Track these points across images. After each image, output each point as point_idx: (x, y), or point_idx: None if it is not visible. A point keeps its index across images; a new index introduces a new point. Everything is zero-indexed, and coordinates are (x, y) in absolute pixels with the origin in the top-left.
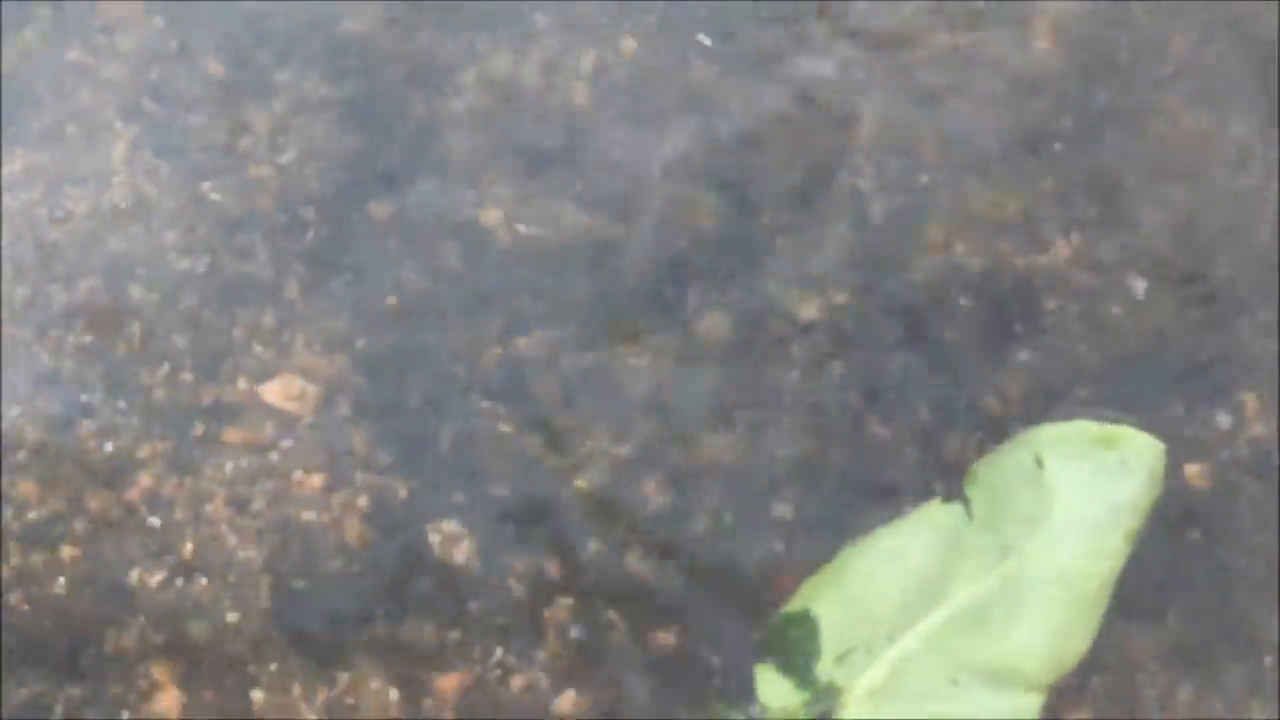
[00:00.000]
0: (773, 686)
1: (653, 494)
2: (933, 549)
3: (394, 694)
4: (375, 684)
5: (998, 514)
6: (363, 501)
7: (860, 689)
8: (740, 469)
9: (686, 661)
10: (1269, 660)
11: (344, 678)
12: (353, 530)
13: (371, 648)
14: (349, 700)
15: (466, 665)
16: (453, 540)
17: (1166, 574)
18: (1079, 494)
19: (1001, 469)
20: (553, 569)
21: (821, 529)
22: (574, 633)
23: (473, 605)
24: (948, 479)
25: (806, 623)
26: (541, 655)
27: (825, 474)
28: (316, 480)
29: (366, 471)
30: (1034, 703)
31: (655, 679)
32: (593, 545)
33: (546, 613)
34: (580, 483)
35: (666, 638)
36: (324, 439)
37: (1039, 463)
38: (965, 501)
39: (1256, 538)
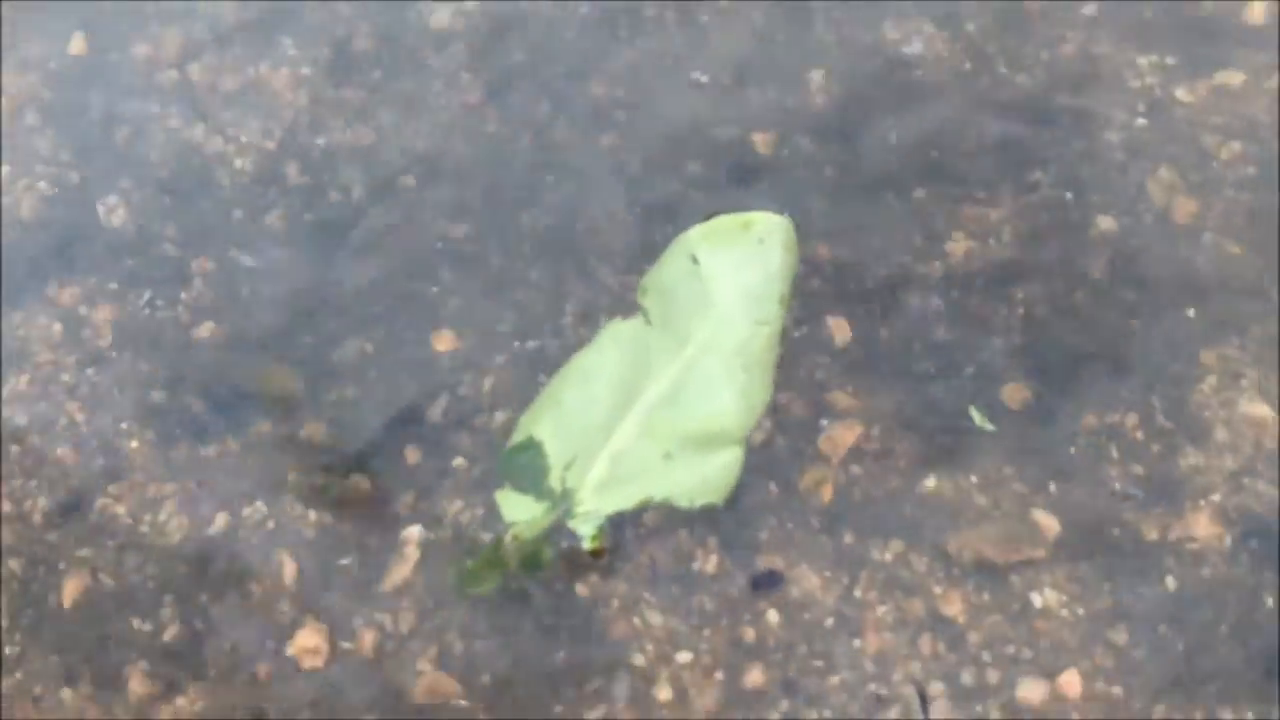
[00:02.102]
0: (514, 505)
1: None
2: (624, 357)
3: (58, 327)
4: (43, 320)
5: (670, 313)
6: (41, 185)
7: (589, 485)
8: None
9: None
10: None
11: (17, 316)
12: (28, 206)
13: (40, 295)
14: (20, 333)
15: (120, 303)
16: (113, 209)
17: None
18: (732, 277)
19: (665, 274)
20: (197, 229)
21: None
22: (215, 278)
23: (129, 261)
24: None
25: (531, 447)
26: (185, 296)
27: None
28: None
29: (47, 165)
30: (736, 454)
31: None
32: (238, 213)
33: (194, 263)
34: (238, 162)
35: None
36: (12, 144)
37: (694, 260)
38: (643, 311)
39: None
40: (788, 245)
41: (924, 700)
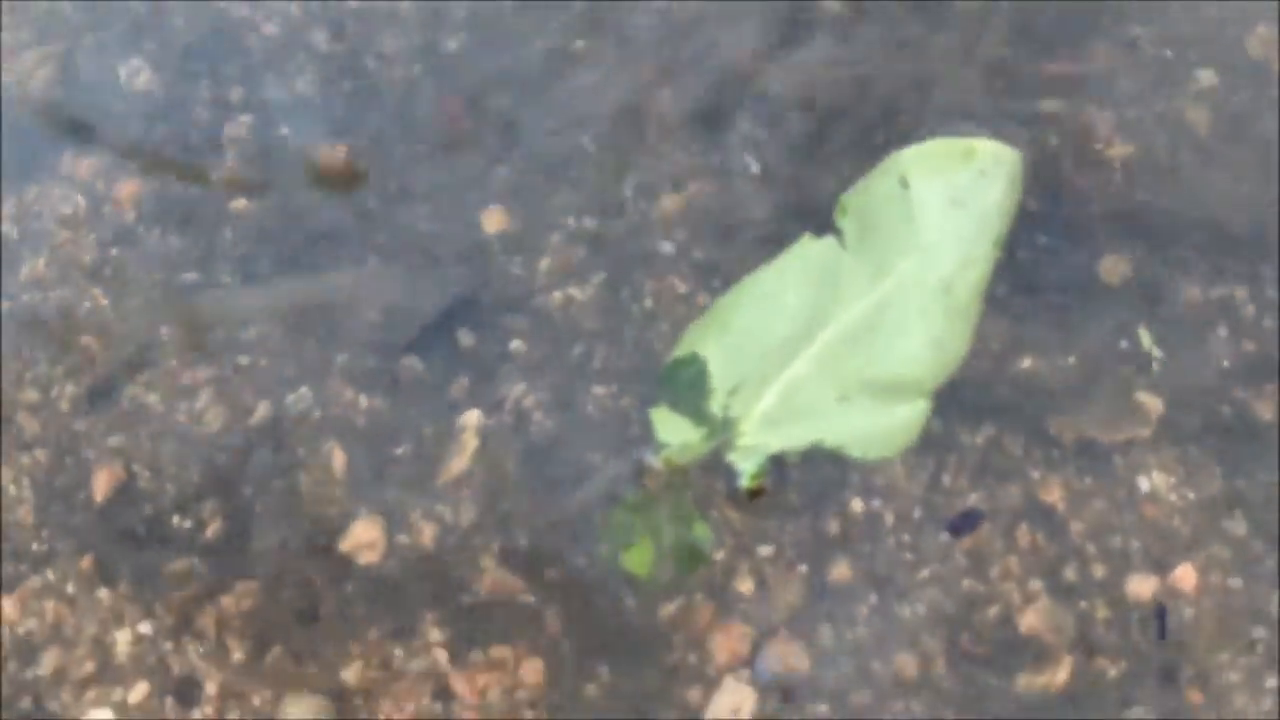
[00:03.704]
0: (669, 424)
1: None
2: (811, 281)
3: (78, 203)
4: (59, 196)
5: (869, 240)
6: (57, 48)
7: (754, 417)
8: None
9: None
10: None
11: (32, 192)
12: (43, 74)
13: (55, 168)
14: (36, 211)
15: (145, 175)
16: (135, 73)
17: None
18: (945, 209)
19: (869, 196)
20: (235, 96)
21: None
22: (249, 148)
23: (154, 130)
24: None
25: (695, 364)
26: (216, 167)
27: None
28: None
29: (62, 30)
30: (921, 409)
31: None
32: (270, 77)
33: (225, 131)
34: (266, 27)
35: None
36: (24, 8)
37: (904, 184)
38: (838, 233)
39: None
40: (1012, 180)
41: (1163, 617)
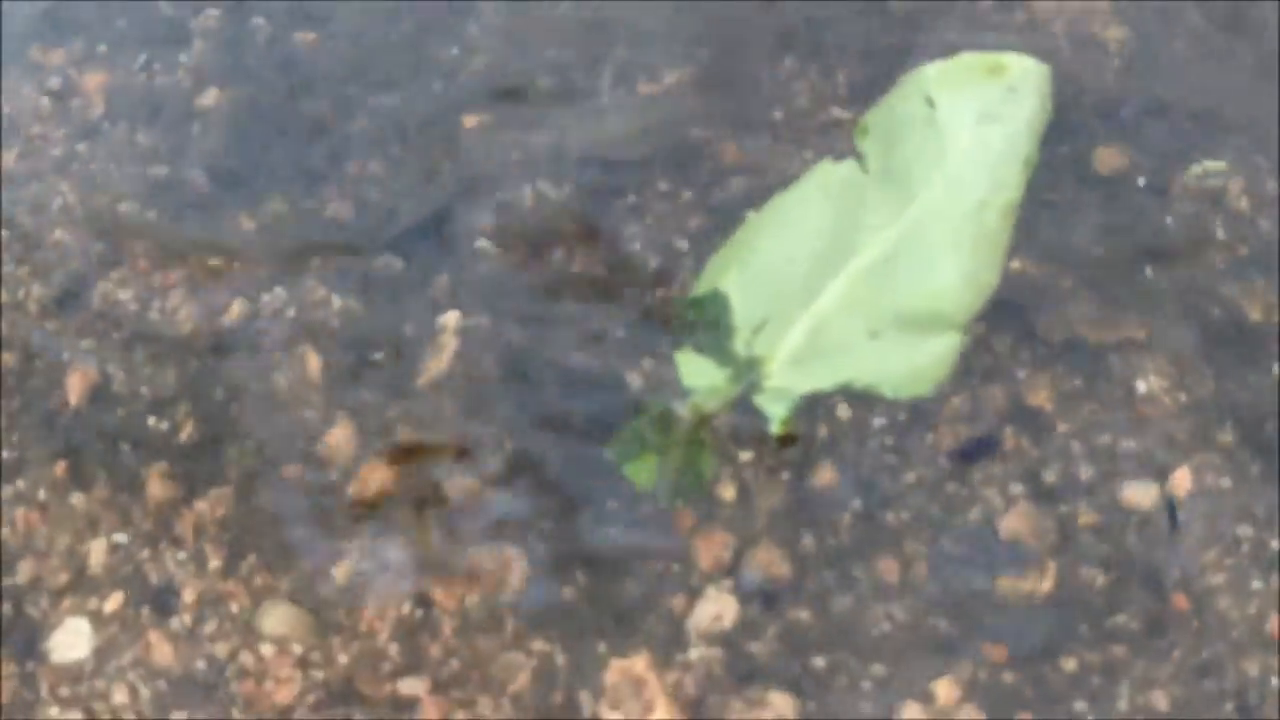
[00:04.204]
0: (694, 368)
1: None
2: (833, 207)
3: (45, 97)
4: (27, 90)
5: (893, 163)
6: None
7: (781, 356)
8: None
9: None
10: None
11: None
12: None
13: (22, 60)
14: (2, 105)
15: (113, 67)
16: None
17: None
18: (972, 128)
19: (892, 116)
20: None
21: None
22: (218, 37)
23: (119, 21)
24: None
25: (717, 301)
26: (185, 58)
27: None
28: None
29: None
30: (953, 342)
31: None
32: None
33: (193, 21)
34: None
35: None
36: None
37: (929, 103)
38: (859, 156)
39: None
40: (1042, 96)
41: (1173, 509)
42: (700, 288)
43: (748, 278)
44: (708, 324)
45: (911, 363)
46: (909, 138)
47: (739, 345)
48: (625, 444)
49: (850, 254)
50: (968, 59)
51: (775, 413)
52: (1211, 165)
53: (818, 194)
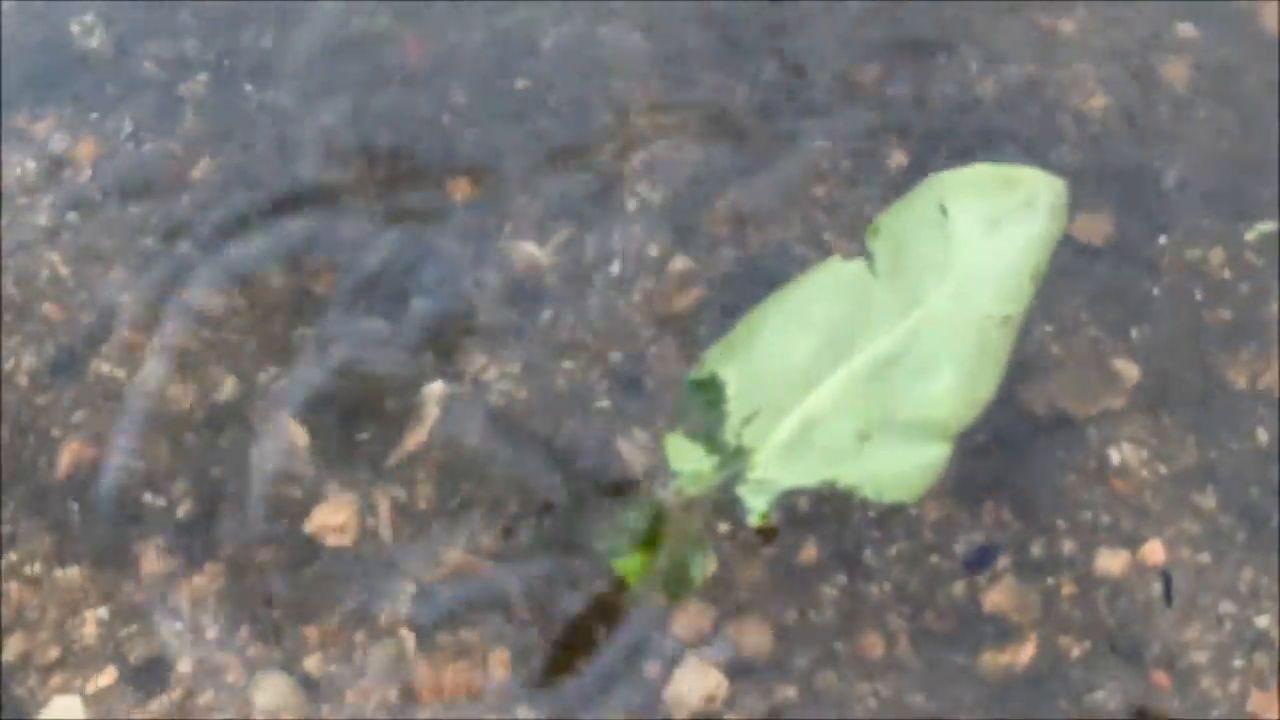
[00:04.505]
0: (683, 452)
1: None
2: (837, 305)
3: (32, 165)
4: (15, 157)
5: (902, 265)
6: (4, 5)
7: (770, 449)
8: None
9: None
10: None
11: None
12: None
13: (10, 128)
14: None
15: (102, 135)
16: (89, 29)
17: None
18: (984, 239)
19: (905, 219)
20: (190, 49)
21: None
22: (209, 106)
23: (109, 88)
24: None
25: (713, 387)
26: (176, 127)
27: None
28: None
29: None
30: (943, 452)
31: None
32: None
33: (182, 88)
34: None
35: None
36: None
37: (942, 210)
38: (869, 255)
39: None
40: (1056, 213)
41: (1169, 585)
42: (699, 372)
43: (746, 366)
44: (701, 409)
45: (898, 468)
46: (920, 242)
47: (729, 433)
48: (616, 539)
49: (850, 353)
50: (984, 169)
51: (755, 505)
52: (1264, 227)
53: (825, 290)
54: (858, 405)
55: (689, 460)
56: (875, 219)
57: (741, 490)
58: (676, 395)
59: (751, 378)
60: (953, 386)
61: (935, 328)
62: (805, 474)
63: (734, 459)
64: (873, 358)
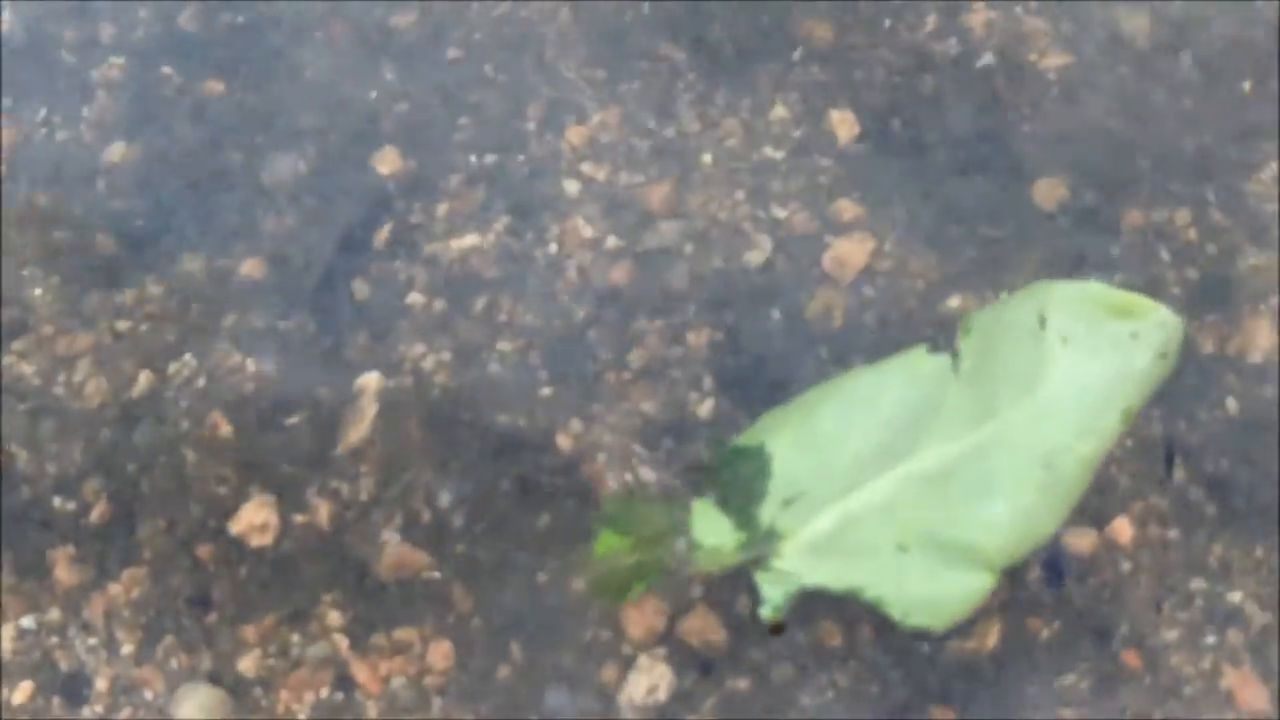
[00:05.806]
0: (709, 523)
1: None
2: (909, 399)
3: None
4: None
5: (987, 371)
6: None
7: (802, 539)
8: None
9: None
10: None
11: None
12: None
13: None
14: None
15: (14, 125)
16: None
17: None
18: (1080, 362)
19: (1000, 322)
20: (106, 33)
21: None
22: (123, 88)
23: (19, 73)
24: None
25: (759, 458)
26: (88, 111)
27: None
28: None
29: None
30: (984, 584)
31: None
32: (143, 12)
33: (96, 71)
34: None
35: None
36: None
37: (1042, 321)
38: (954, 353)
39: None
40: (1166, 351)
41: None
42: (746, 437)
43: (797, 443)
44: (739, 479)
45: (932, 591)
46: (1011, 351)
47: (765, 514)
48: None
49: (910, 454)
50: (1097, 288)
51: (771, 597)
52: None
53: (899, 379)
54: (904, 512)
55: (713, 534)
56: (968, 314)
57: (760, 578)
58: (714, 456)
59: (800, 456)
60: (1009, 517)
61: (1006, 447)
62: (832, 575)
63: (762, 542)
64: (932, 464)
